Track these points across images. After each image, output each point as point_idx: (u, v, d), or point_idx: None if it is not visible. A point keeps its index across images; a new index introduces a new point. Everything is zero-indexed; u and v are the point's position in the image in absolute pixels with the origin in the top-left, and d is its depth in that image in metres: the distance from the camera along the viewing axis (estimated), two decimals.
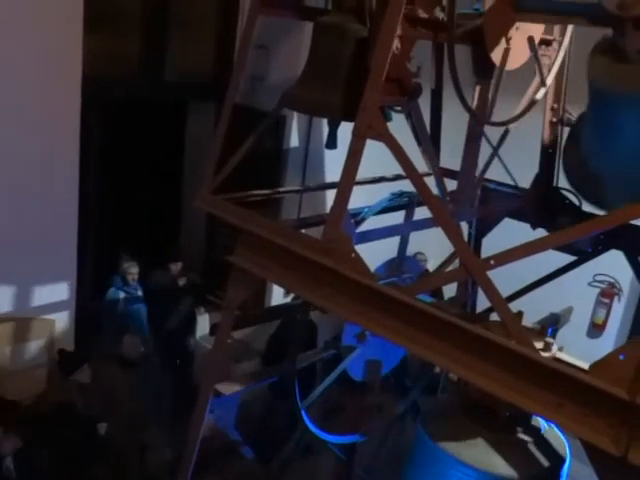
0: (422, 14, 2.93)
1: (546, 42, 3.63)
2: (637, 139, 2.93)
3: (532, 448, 3.06)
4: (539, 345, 2.68)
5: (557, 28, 3.68)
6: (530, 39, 3.21)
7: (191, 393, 5.88)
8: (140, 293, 6.41)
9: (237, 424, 4.32)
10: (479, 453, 2.99)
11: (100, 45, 5.97)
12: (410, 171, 2.74)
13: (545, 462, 3.02)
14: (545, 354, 2.62)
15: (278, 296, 6.92)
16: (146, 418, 5.43)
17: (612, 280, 7.12)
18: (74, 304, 6.08)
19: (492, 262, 2.44)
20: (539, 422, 3.21)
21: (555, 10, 2.74)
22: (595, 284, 7.22)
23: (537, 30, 3.36)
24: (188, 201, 7.58)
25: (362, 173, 2.98)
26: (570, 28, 3.70)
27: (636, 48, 2.59)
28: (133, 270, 6.23)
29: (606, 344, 7.24)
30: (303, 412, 3.96)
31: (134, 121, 7.29)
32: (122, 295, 6.29)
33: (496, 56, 3.04)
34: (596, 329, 7.39)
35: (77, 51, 5.37)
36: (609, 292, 7.19)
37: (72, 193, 5.72)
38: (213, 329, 3.99)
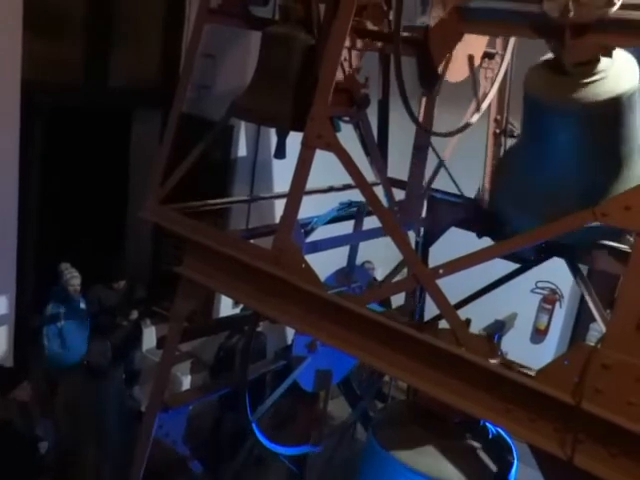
0: (370, 26, 2.96)
1: (489, 55, 3.73)
2: (565, 156, 3.01)
3: (481, 454, 3.11)
4: (486, 352, 2.72)
5: (500, 42, 3.79)
6: (470, 57, 3.28)
7: (137, 409, 5.77)
8: (83, 306, 6.21)
9: (185, 438, 4.23)
10: (430, 460, 3.01)
11: (42, 50, 5.81)
12: (359, 181, 2.75)
13: (494, 467, 3.07)
14: (492, 360, 2.67)
15: (227, 307, 6.84)
16: (106, 433, 5.25)
17: (553, 287, 7.34)
18: (13, 319, 5.86)
19: (441, 271, 2.47)
20: (488, 427, 3.26)
21: (501, 20, 2.80)
22: (537, 291, 7.42)
23: (480, 43, 3.45)
24: (133, 211, 7.44)
25: (310, 183, 2.98)
26: (512, 41, 3.80)
27: (573, 61, 2.69)
28: (75, 282, 6.00)
29: (549, 349, 7.45)
30: (254, 425, 3.91)
31: (77, 129, 7.12)
32: (63, 308, 6.08)
33: (441, 68, 3.09)
34: (539, 334, 7.60)
35: (16, 55, 5.20)
36: (551, 298, 7.40)
37: (10, 203, 5.52)
38: (160, 342, 3.91)
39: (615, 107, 2.73)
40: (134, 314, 6.71)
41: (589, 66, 2.68)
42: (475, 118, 3.72)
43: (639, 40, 2.46)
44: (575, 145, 2.92)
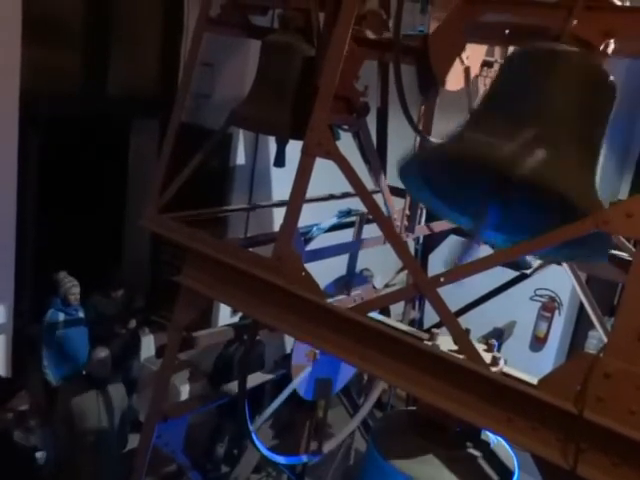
0: (369, 34, 2.97)
1: (488, 64, 3.74)
2: None
3: (482, 463, 3.09)
4: (487, 360, 2.71)
5: (498, 50, 3.80)
6: (466, 70, 3.30)
7: (137, 418, 5.74)
8: (82, 315, 6.20)
9: (184, 448, 4.21)
10: (431, 470, 2.99)
11: (40, 59, 5.82)
12: (360, 189, 2.75)
13: (495, 476, 3.05)
14: (493, 369, 2.66)
15: (225, 316, 6.83)
16: (105, 443, 5.21)
17: (552, 294, 7.34)
18: (11, 327, 5.83)
19: (442, 279, 2.47)
20: (488, 436, 3.24)
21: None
22: (536, 298, 7.43)
23: (479, 52, 3.46)
24: (132, 219, 7.43)
25: (309, 191, 2.98)
26: (510, 50, 3.82)
27: None
28: (75, 290, 6.02)
29: (548, 357, 7.44)
30: (253, 434, 3.89)
31: (76, 138, 7.13)
32: (62, 317, 6.07)
33: (441, 76, 3.11)
34: (538, 342, 7.60)
35: (14, 64, 5.21)
36: (550, 306, 7.41)
37: (9, 212, 5.51)
38: (159, 351, 3.89)
39: None
40: (132, 323, 6.70)
41: None
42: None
43: None
44: None
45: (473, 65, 3.32)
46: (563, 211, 2.24)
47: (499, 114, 2.39)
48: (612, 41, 2.59)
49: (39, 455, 4.97)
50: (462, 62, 3.10)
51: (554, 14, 2.55)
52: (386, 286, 4.74)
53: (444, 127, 3.65)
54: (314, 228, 3.71)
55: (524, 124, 2.29)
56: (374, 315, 2.91)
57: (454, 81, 3.27)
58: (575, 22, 2.45)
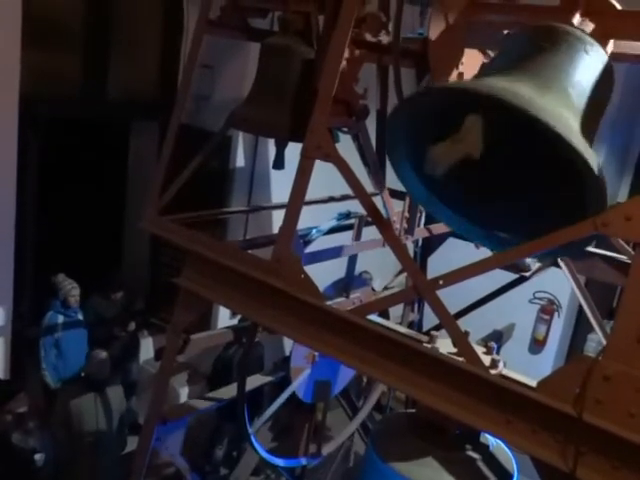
0: (369, 37, 2.97)
1: None
2: None
3: (481, 465, 3.09)
4: (486, 362, 2.71)
5: None
6: (460, 76, 3.28)
7: (136, 420, 5.74)
8: (81, 317, 6.20)
9: (183, 450, 4.21)
10: (430, 472, 2.99)
11: (40, 62, 5.83)
12: (359, 191, 2.75)
13: (494, 479, 3.05)
14: (492, 371, 2.66)
15: (224, 318, 6.83)
16: (104, 445, 5.21)
17: (551, 297, 7.34)
18: (10, 330, 5.83)
19: (441, 282, 2.46)
20: (487, 439, 3.24)
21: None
22: (535, 301, 7.43)
23: (475, 59, 3.45)
24: (131, 222, 7.44)
25: (308, 194, 2.98)
26: None
27: None
28: (75, 292, 6.03)
29: (547, 359, 7.44)
30: (252, 437, 3.89)
31: (75, 140, 7.13)
32: (61, 319, 6.07)
33: (440, 81, 3.10)
34: (537, 345, 7.60)
35: (14, 67, 5.21)
36: (549, 309, 7.41)
37: (8, 214, 5.51)
38: (159, 353, 3.89)
39: None
40: (132, 325, 6.70)
41: None
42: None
43: None
44: None
45: (467, 72, 3.31)
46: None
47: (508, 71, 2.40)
48: (611, 42, 2.61)
49: (38, 457, 4.96)
50: (457, 67, 3.09)
51: (555, 17, 2.56)
52: (385, 288, 4.74)
53: None
54: (313, 230, 3.71)
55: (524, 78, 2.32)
56: (373, 318, 2.91)
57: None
58: (575, 24, 2.46)
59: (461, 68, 3.23)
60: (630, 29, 2.56)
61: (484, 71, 2.65)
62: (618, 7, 2.57)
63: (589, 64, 2.45)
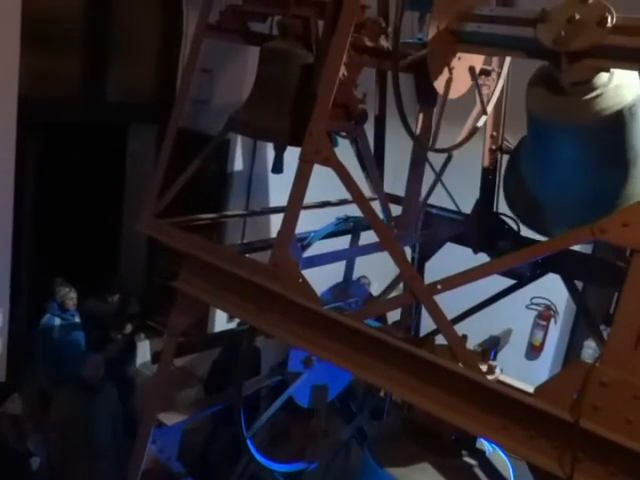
0: (368, 42, 2.98)
1: (486, 72, 3.75)
2: (571, 167, 3.05)
3: (477, 471, 3.09)
4: (483, 368, 2.72)
5: (496, 59, 3.81)
6: (471, 69, 3.30)
7: (132, 423, 5.71)
8: (77, 319, 6.19)
9: (179, 454, 4.19)
10: (426, 477, 2.99)
11: (39, 65, 5.82)
12: (357, 196, 2.76)
13: None
14: (489, 377, 2.66)
15: (221, 322, 6.82)
16: (99, 448, 5.19)
17: (548, 302, 7.33)
18: (6, 332, 5.81)
19: (439, 287, 2.47)
20: (484, 445, 3.24)
21: (495, 43, 2.83)
22: (532, 307, 7.41)
23: (477, 61, 3.47)
24: (128, 225, 7.43)
25: (306, 198, 2.98)
26: (508, 59, 3.83)
27: (571, 81, 2.71)
28: (72, 295, 6.03)
29: (544, 365, 7.43)
30: (249, 441, 3.87)
31: (73, 143, 7.12)
32: (58, 322, 6.06)
33: (439, 85, 3.11)
34: (534, 350, 7.58)
35: (13, 70, 5.21)
36: (546, 314, 7.39)
37: (5, 217, 5.50)
38: (155, 357, 3.88)
39: (618, 120, 2.75)
40: (128, 328, 6.68)
41: (587, 84, 2.70)
42: (480, 123, 3.74)
43: (635, 65, 2.47)
44: (581, 157, 2.97)
45: (476, 65, 3.32)
46: None
47: None
48: None
49: (33, 460, 4.94)
50: (450, 72, 3.10)
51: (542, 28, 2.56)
52: (383, 293, 4.73)
53: (446, 134, 3.69)
54: (311, 235, 3.71)
55: None
56: (371, 322, 2.92)
57: (457, 87, 3.26)
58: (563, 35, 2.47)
59: (469, 62, 3.23)
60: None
61: None
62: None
63: None
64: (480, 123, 3.80)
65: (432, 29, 2.89)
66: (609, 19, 2.33)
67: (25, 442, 5.10)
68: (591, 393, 2.12)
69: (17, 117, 5.33)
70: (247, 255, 3.44)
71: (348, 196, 2.87)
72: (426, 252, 4.82)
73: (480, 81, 3.71)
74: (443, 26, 2.86)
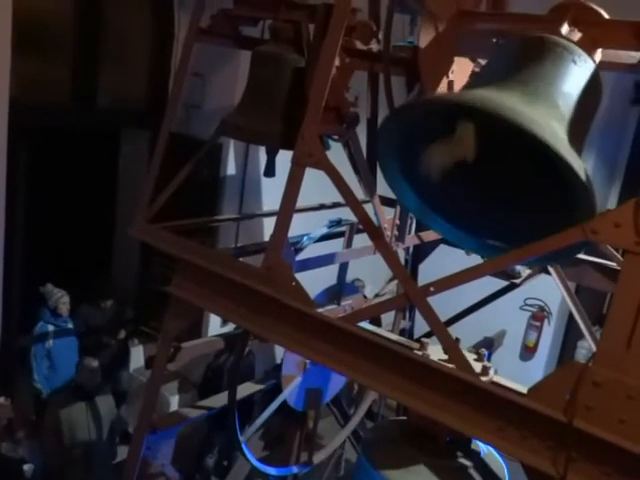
0: (359, 45, 2.99)
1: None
2: None
3: (472, 472, 3.09)
4: (477, 369, 2.72)
5: None
6: (450, 84, 3.30)
7: (126, 429, 5.70)
8: (71, 325, 6.17)
9: (174, 459, 4.18)
10: (421, 479, 2.99)
11: (30, 70, 5.81)
12: (350, 199, 2.76)
13: None
14: (483, 378, 2.66)
15: (215, 326, 6.80)
16: (94, 455, 5.17)
17: (542, 304, 7.36)
18: None
19: (432, 289, 2.47)
20: (479, 446, 3.24)
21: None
22: (526, 308, 7.45)
23: (465, 67, 3.48)
24: (121, 230, 7.41)
25: (298, 201, 2.98)
26: None
27: None
28: (65, 300, 6.01)
29: (538, 366, 7.46)
30: (244, 445, 3.87)
31: (65, 149, 7.10)
32: (51, 329, 6.03)
33: (442, 88, 3.12)
34: (528, 351, 7.62)
35: (5, 75, 5.20)
36: (539, 315, 7.43)
37: None
38: (149, 362, 3.87)
39: None
40: (122, 334, 6.67)
41: None
42: None
43: None
44: None
45: (457, 80, 3.33)
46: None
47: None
48: (599, 51, 2.63)
49: (26, 467, 4.92)
50: (447, 76, 3.11)
51: (543, 26, 2.59)
52: (376, 296, 4.74)
53: None
54: (304, 238, 3.71)
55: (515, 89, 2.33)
56: (364, 325, 2.91)
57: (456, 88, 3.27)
58: (563, 33, 2.49)
59: (451, 76, 3.25)
60: (618, 38, 2.59)
61: (474, 81, 2.67)
62: (606, 16, 2.60)
63: (577, 74, 2.48)
64: None
65: (424, 31, 2.90)
66: None
67: (19, 449, 5.07)
68: (584, 393, 2.13)
69: (8, 122, 5.32)
70: (240, 259, 3.44)
71: (341, 199, 2.87)
72: (419, 254, 4.83)
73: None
74: (440, 26, 2.87)
